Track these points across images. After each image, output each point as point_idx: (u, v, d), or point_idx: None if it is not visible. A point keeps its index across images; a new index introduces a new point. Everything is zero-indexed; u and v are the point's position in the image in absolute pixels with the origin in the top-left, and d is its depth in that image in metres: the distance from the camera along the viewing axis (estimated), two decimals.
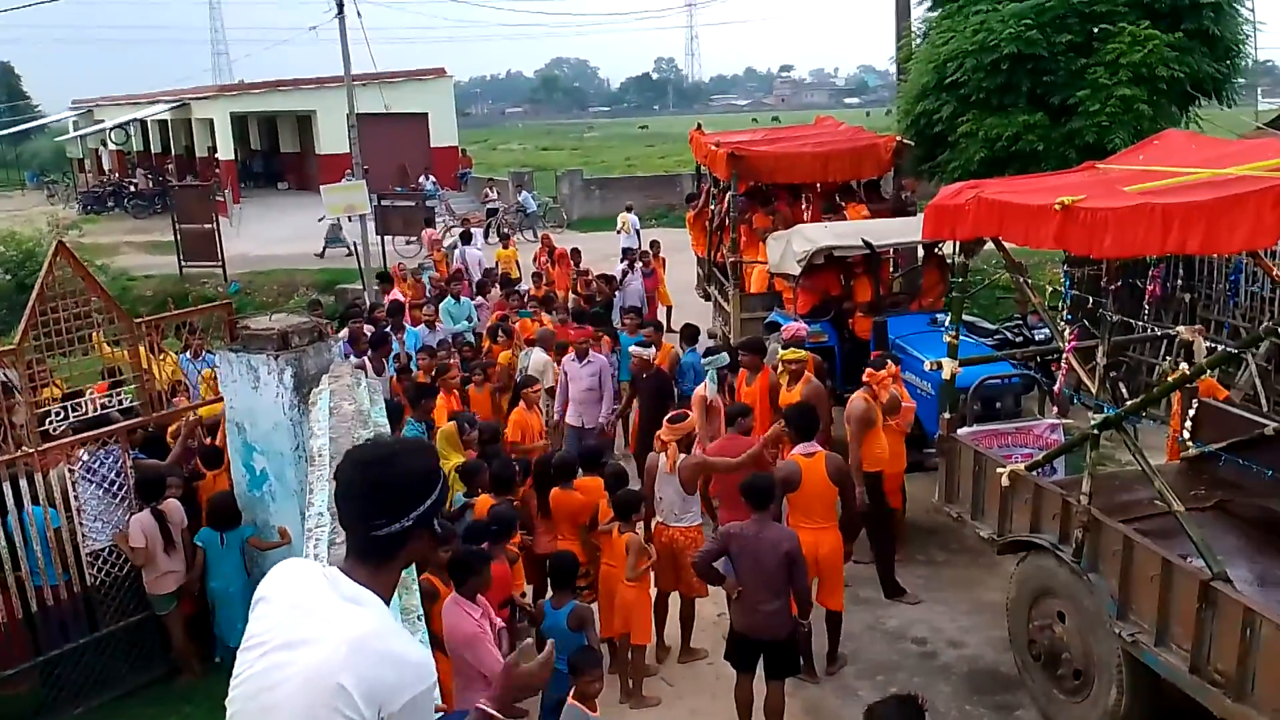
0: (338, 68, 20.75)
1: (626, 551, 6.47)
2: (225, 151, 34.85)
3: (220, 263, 21.49)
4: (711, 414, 8.39)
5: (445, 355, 10.19)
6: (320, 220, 23.31)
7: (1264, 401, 10.07)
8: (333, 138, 31.50)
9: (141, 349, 7.94)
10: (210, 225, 21.46)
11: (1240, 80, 13.57)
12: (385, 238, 19.80)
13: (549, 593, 6.40)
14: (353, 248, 19.96)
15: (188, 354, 9.99)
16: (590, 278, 14.85)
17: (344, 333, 10.06)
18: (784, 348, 8.52)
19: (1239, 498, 6.70)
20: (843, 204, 12.83)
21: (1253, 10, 13.15)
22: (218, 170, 32.94)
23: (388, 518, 2.25)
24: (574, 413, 9.81)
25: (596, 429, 9.74)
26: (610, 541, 6.68)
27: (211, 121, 35.25)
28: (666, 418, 7.17)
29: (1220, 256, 10.46)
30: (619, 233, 19.90)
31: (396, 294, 13.80)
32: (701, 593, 6.99)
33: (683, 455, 6.92)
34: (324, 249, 23.48)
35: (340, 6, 19.42)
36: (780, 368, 8.45)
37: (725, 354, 9.04)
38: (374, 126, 27.11)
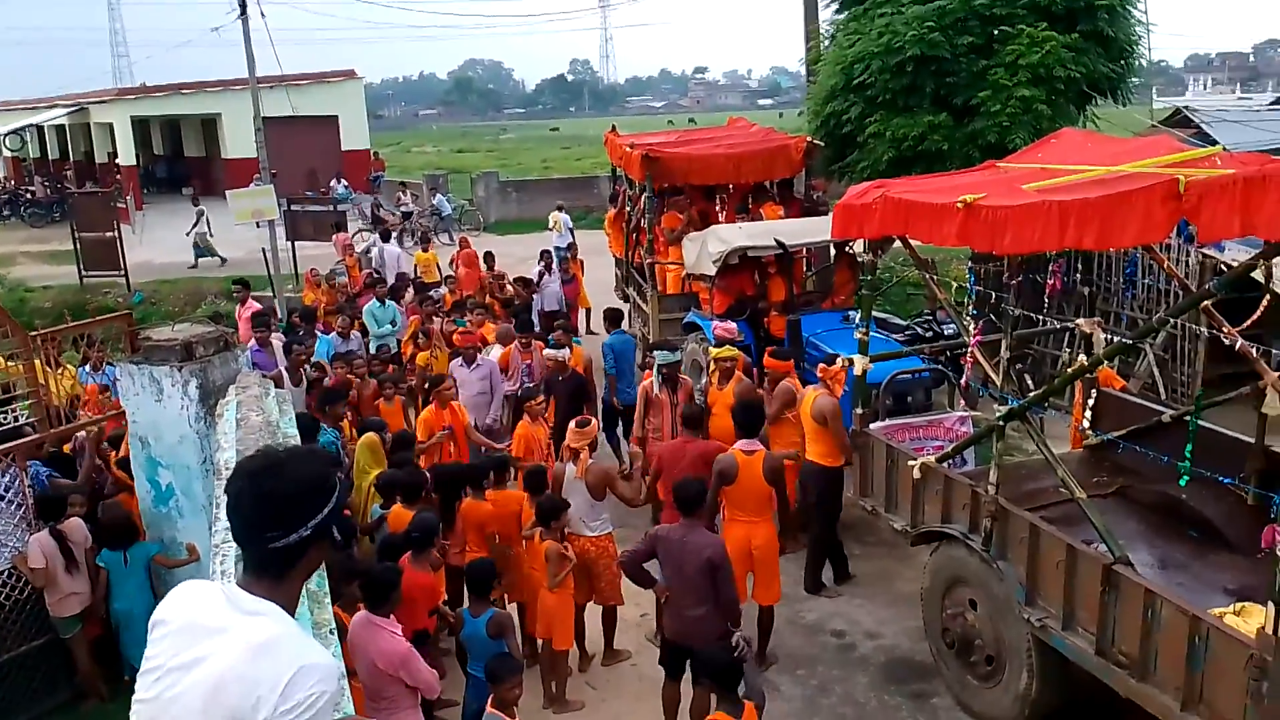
0: (243, 69, 20.23)
1: (547, 559, 6.42)
2: (126, 157, 33.78)
3: (123, 272, 20.75)
4: (654, 408, 8.42)
5: (363, 365, 10.00)
6: (188, 234, 23.14)
7: (1161, 390, 10.48)
8: (240, 142, 30.71)
9: (37, 363, 7.63)
10: (111, 233, 20.70)
11: (1134, 80, 14.09)
12: (295, 243, 19.34)
13: (465, 602, 6.31)
14: (223, 259, 20.86)
15: (87, 367, 9.63)
16: (506, 281, 14.75)
17: (252, 342, 9.80)
18: (716, 347, 8.60)
19: (1139, 484, 6.93)
20: (756, 204, 12.96)
21: (1145, 12, 13.68)
22: (119, 176, 31.84)
23: (283, 529, 2.18)
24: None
25: (484, 429, 9.67)
26: (532, 547, 6.63)
27: (111, 126, 34.12)
28: (572, 423, 7.07)
29: (1116, 251, 10.84)
30: (551, 230, 19.87)
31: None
32: (617, 601, 6.98)
33: (591, 461, 6.86)
34: (195, 260, 23.10)
35: (243, 7, 18.89)
36: (711, 366, 8.53)
37: (676, 350, 9.05)
38: (282, 130, 26.51)
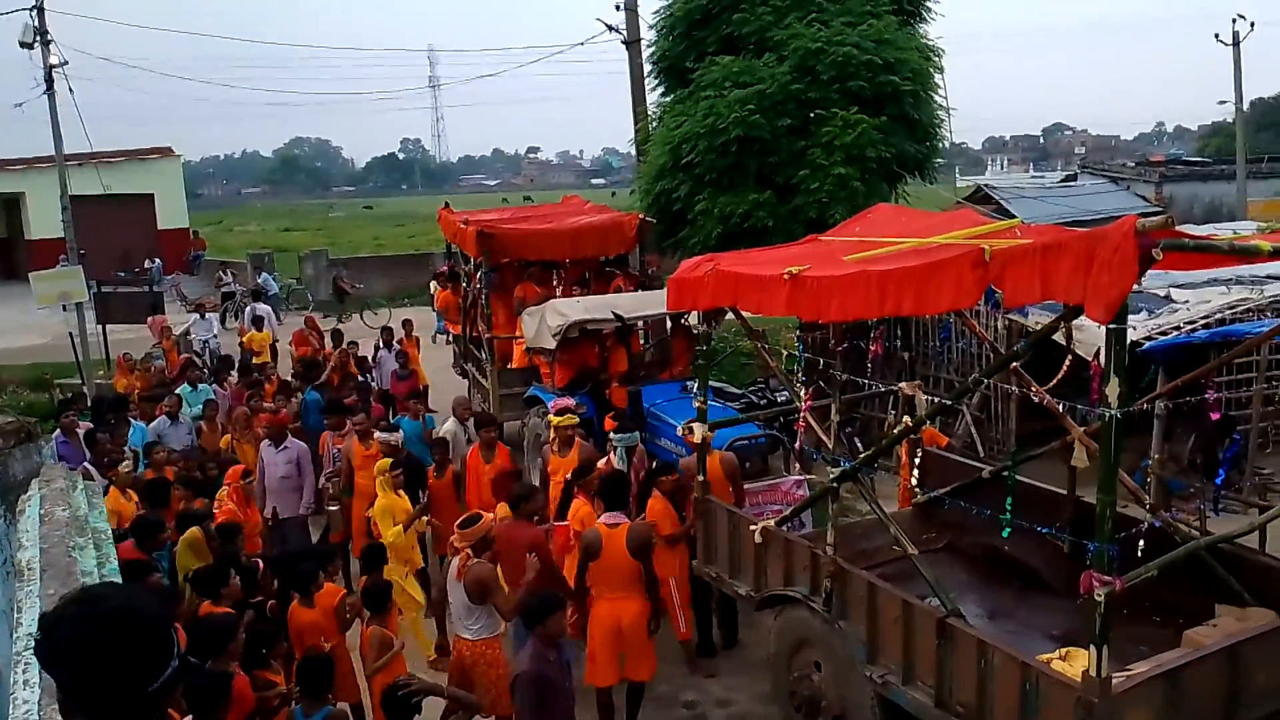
0: (50, 146, 19.17)
1: (369, 645, 6.15)
2: None
3: None
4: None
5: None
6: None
7: (980, 447, 11.07)
8: (45, 222, 28.92)
9: None
10: None
11: (939, 160, 15.13)
12: (106, 327, 18.23)
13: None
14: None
15: None
16: (349, 355, 14.32)
17: (56, 432, 9.11)
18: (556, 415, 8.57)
19: (965, 537, 7.24)
20: (594, 279, 13.10)
21: (945, 97, 14.74)
22: None
23: (158, 668, 1.98)
24: (269, 504, 9.16)
25: (296, 520, 9.26)
26: (362, 635, 6.32)
27: None
28: (457, 523, 6.44)
29: (931, 317, 11.47)
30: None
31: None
32: (504, 713, 6.12)
33: (475, 561, 6.24)
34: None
35: (49, 83, 17.98)
36: (552, 434, 8.47)
37: (635, 432, 8.82)
38: (93, 209, 25.23)
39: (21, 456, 6.18)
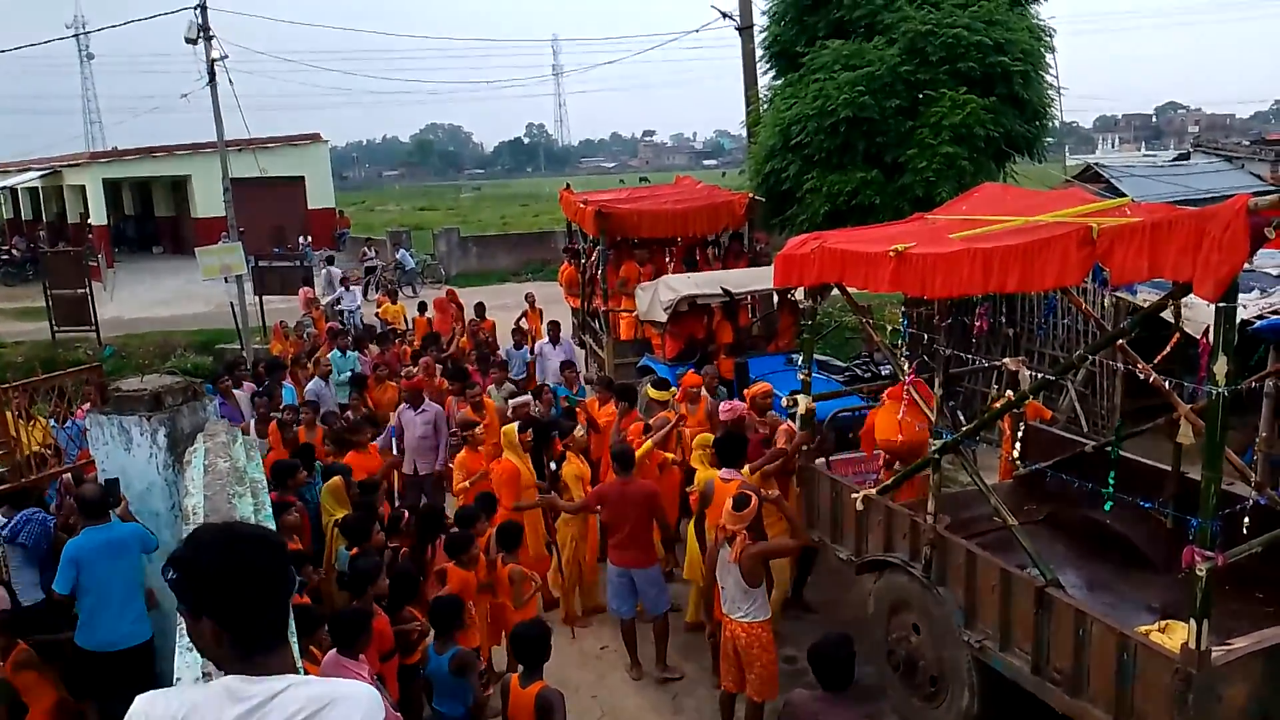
0: (212, 133, 20.10)
1: (510, 582, 6.32)
2: (98, 217, 33.35)
3: (94, 327, 20.33)
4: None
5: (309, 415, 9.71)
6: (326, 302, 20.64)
7: (1083, 423, 10.66)
8: (208, 202, 30.50)
9: (9, 414, 7.40)
10: (83, 290, 20.32)
11: (1048, 139, 14.49)
12: (263, 298, 19.10)
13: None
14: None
15: (55, 419, 9.37)
16: (480, 327, 14.67)
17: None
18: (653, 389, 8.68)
19: (1066, 510, 7.01)
20: (704, 256, 13.09)
21: (1056, 77, 14.09)
22: (90, 236, 31.35)
23: (289, 590, 2.12)
24: (409, 461, 9.51)
25: (432, 476, 9.51)
26: (497, 575, 6.50)
27: (84, 188, 33.70)
28: (728, 503, 5.96)
29: (1036, 294, 11.07)
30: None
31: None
32: (769, 697, 5.92)
33: (751, 543, 5.92)
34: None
35: (211, 75, 18.83)
36: (666, 401, 8.61)
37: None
38: (250, 190, 26.34)
39: (189, 413, 6.53)
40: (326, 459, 8.50)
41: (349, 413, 9.94)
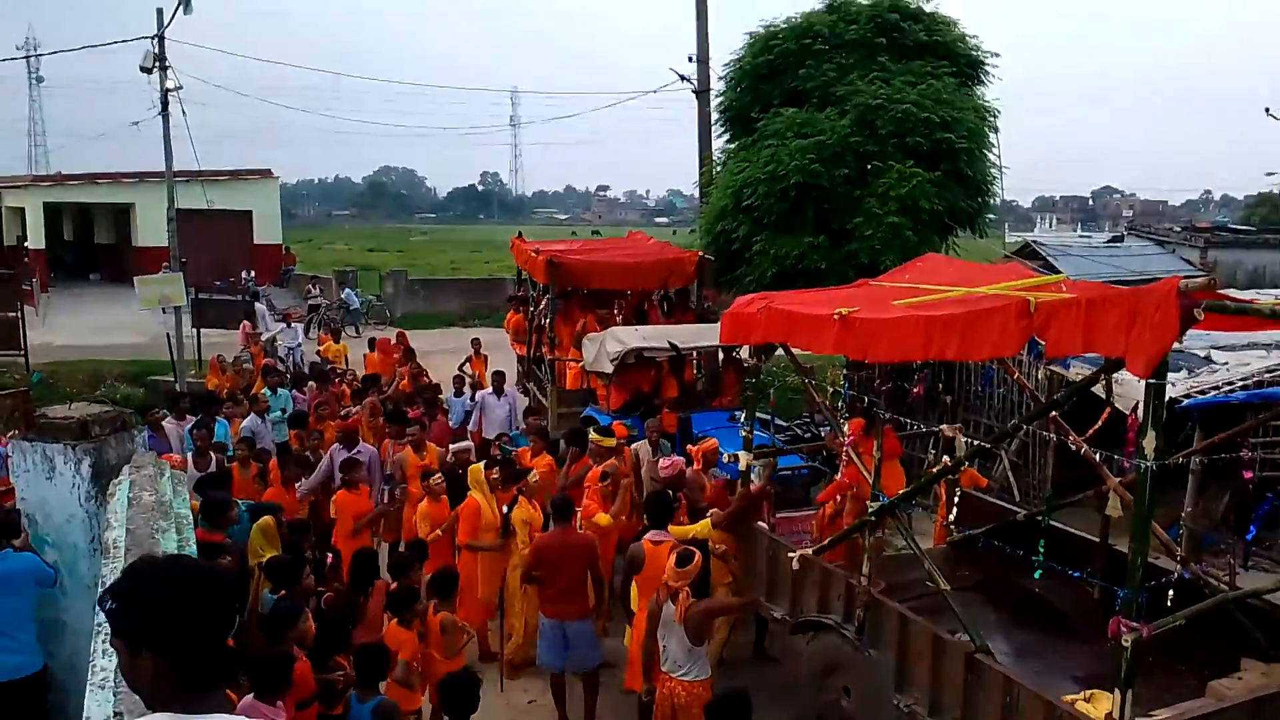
0: (159, 163, 19.80)
1: (442, 632, 6.17)
2: (36, 241, 32.52)
3: (23, 352, 19.70)
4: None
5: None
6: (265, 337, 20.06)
7: (1015, 491, 10.85)
8: (152, 231, 29.97)
9: None
10: (14, 314, 19.72)
11: (990, 215, 14.92)
12: (200, 330, 18.70)
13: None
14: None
15: None
16: (423, 370, 14.52)
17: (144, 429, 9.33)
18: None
19: (997, 577, 7.09)
20: (651, 310, 13.16)
21: (999, 156, 14.55)
22: (26, 259, 30.54)
23: (229, 619, 2.03)
24: None
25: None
26: (428, 623, 6.34)
27: (23, 210, 32.87)
28: (671, 558, 5.97)
29: (974, 363, 11.30)
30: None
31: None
32: None
33: (694, 601, 5.89)
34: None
35: (165, 105, 18.61)
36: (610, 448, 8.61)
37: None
38: (195, 222, 25.95)
39: (116, 444, 6.33)
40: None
41: (307, 451, 9.76)
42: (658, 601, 6.02)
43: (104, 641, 3.86)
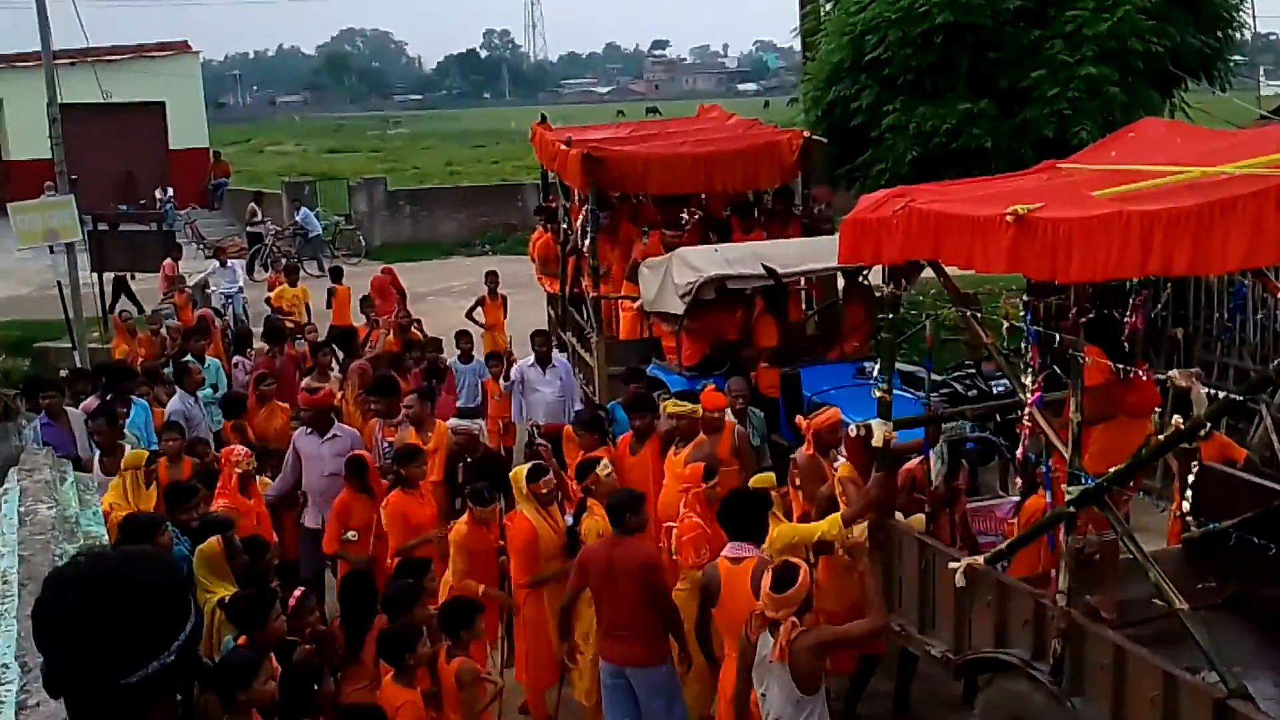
0: (32, 41, 20.19)
1: (459, 685, 6.31)
2: None
3: None
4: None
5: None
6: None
7: None
8: (27, 137, 30.50)
9: None
10: None
11: (1236, 58, 14.54)
12: (104, 275, 19.07)
13: None
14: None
15: None
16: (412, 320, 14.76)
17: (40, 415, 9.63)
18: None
19: (1258, 590, 7.01)
20: (737, 221, 13.11)
21: None
22: None
23: (139, 656, 2.10)
24: (311, 510, 9.47)
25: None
26: (440, 671, 6.48)
27: None
28: (767, 583, 5.92)
29: (1217, 279, 11.08)
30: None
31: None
32: None
33: (802, 632, 5.90)
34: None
35: None
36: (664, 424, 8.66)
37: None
38: (88, 122, 26.51)
39: None
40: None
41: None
42: (748, 637, 6.07)
43: None
